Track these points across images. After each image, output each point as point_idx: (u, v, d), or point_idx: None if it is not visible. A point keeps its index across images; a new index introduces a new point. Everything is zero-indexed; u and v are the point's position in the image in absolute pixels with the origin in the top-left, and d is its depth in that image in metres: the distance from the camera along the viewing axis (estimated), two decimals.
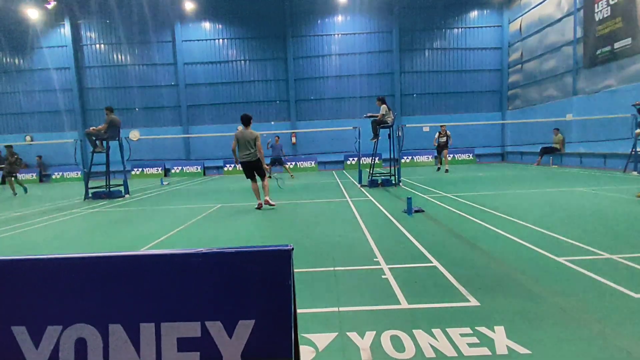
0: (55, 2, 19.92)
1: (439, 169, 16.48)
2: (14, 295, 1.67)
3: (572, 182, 10.38)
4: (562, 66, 16.69)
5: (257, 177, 7.78)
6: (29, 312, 1.65)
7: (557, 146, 16.13)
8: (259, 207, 7.63)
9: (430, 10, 21.06)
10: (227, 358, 1.53)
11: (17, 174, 14.24)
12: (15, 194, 13.51)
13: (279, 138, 15.67)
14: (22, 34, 21.16)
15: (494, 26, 21.26)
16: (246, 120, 7.44)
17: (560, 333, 2.40)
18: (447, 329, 2.49)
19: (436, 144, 15.79)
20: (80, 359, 1.56)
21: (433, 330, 2.49)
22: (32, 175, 21.02)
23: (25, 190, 13.99)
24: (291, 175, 15.64)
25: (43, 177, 21.07)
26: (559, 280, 3.31)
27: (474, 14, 21.26)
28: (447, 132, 15.47)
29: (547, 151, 16.34)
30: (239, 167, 8.10)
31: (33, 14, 20.43)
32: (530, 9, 18.68)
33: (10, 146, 13.98)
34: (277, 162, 15.36)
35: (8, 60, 21.67)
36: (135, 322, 1.59)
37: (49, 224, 7.21)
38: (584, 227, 5.21)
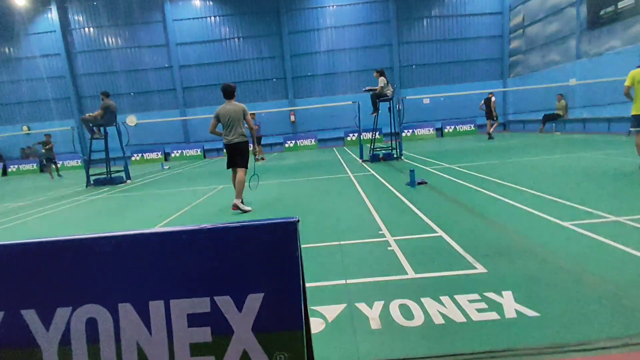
0: None
1: (490, 136, 15.58)
2: (22, 279, 1.66)
3: (576, 148, 10.27)
4: (566, 29, 16.21)
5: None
6: (37, 295, 1.64)
7: (560, 112, 15.90)
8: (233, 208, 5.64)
9: None
10: (238, 332, 1.53)
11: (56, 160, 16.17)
12: (53, 178, 15.47)
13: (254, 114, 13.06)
14: (8, 21, 20.60)
15: None
16: (230, 93, 5.72)
17: (568, 295, 2.41)
18: (455, 296, 2.50)
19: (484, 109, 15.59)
20: (92, 337, 1.56)
21: (441, 297, 2.51)
22: (32, 166, 20.99)
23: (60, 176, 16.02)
24: (262, 158, 14.10)
25: (44, 167, 21.02)
26: (566, 244, 3.30)
27: None
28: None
29: (549, 118, 16.11)
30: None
31: (19, 0, 19.81)
32: None
33: (49, 135, 15.66)
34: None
35: None
36: (144, 300, 1.59)
37: (54, 212, 7.23)
38: (589, 192, 5.17)
